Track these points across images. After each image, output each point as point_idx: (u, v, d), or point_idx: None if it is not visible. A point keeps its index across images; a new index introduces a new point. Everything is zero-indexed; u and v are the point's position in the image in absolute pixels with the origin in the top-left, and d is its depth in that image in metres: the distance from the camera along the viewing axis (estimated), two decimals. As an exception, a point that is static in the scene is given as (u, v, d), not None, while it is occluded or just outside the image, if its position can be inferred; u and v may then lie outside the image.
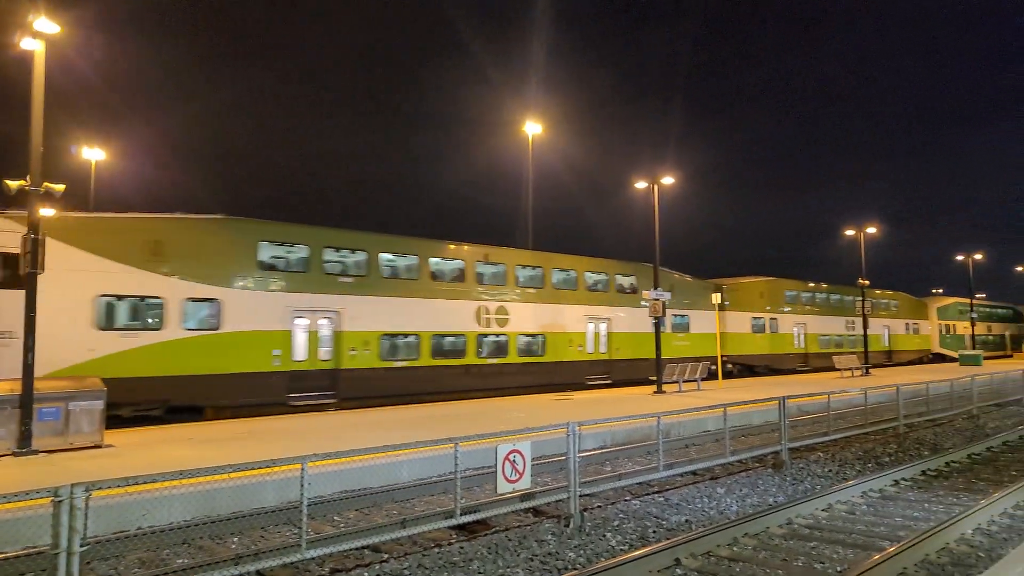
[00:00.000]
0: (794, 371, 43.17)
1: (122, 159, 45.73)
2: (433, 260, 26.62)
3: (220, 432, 16.91)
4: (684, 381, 28.68)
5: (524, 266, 29.68)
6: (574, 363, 30.72)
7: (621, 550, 8.96)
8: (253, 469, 7.99)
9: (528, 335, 29.09)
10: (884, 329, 53.69)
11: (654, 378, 27.88)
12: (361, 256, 24.52)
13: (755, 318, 41.50)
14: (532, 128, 37.40)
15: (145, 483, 7.12)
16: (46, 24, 14.18)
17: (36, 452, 13.68)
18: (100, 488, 6.69)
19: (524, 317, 28.93)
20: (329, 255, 23.81)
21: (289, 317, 22.00)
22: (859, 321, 48.63)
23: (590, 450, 15.46)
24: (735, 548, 8.85)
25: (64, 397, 14.43)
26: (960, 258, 62.81)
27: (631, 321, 33.32)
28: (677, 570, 8.06)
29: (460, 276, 27.37)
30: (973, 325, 62.74)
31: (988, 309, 74.27)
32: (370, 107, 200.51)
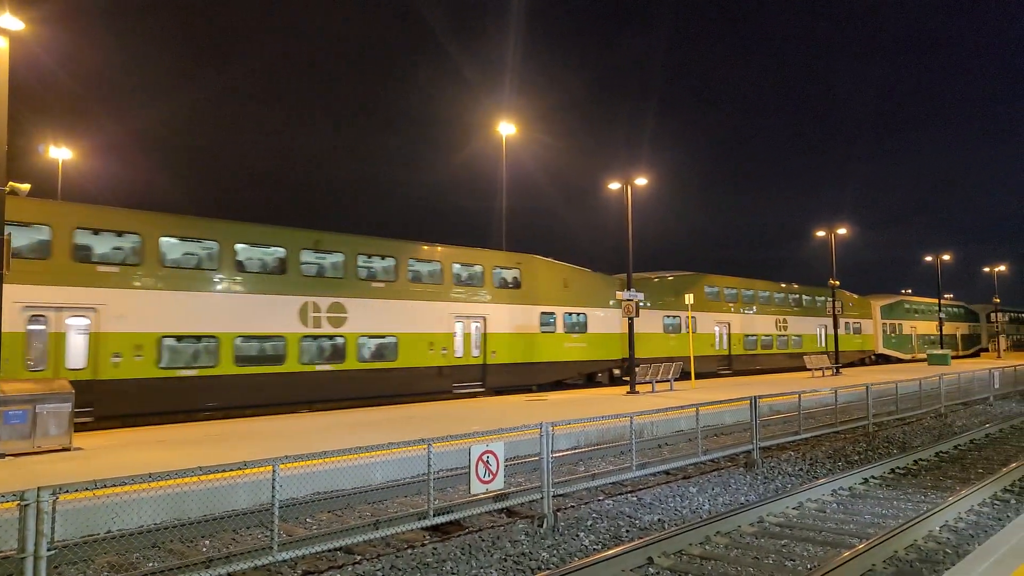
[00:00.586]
0: (715, 374, 39.71)
1: (92, 158, 45.17)
2: (240, 247, 22.21)
3: (191, 434, 16.73)
4: (657, 381, 28.82)
5: (369, 256, 25.51)
6: (437, 369, 26.76)
7: (594, 549, 8.98)
8: (224, 471, 7.90)
9: (374, 336, 24.96)
10: (820, 328, 50.83)
11: (542, 383, 26.60)
12: (132, 241, 20.15)
13: (669, 316, 37.83)
14: (506, 129, 37.41)
15: (113, 486, 7.01)
16: (10, 20, 13.95)
17: (2, 456, 13.45)
18: (67, 491, 6.60)
19: (368, 316, 24.68)
20: (83, 238, 19.42)
21: (20, 315, 17.59)
22: (793, 320, 47.77)
23: (563, 450, 15.49)
24: (707, 547, 8.92)
25: (31, 400, 14.18)
26: (929, 259, 63.36)
27: (514, 320, 29.62)
28: (650, 569, 8.11)
29: (280, 267, 23.14)
30: (941, 325, 63.20)
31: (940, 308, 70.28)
32: (347, 107, 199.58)
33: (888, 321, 59.19)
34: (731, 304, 43.13)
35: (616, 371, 33.51)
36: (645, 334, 34.79)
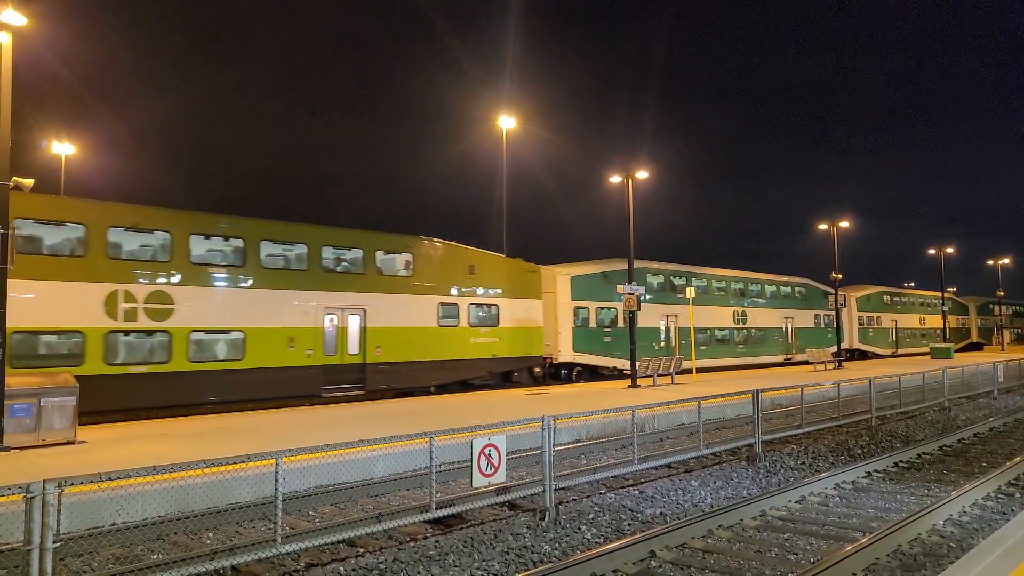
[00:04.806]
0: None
1: (94, 153, 45.26)
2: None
3: (194, 428, 16.77)
4: (659, 375, 28.81)
5: None
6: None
7: (596, 543, 8.99)
8: (227, 464, 7.94)
9: None
10: (344, 315, 23.90)
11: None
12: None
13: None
14: (506, 122, 37.38)
15: (118, 479, 7.05)
16: (12, 16, 13.93)
17: (7, 449, 13.50)
18: (72, 484, 6.64)
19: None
20: None
21: None
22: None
23: (565, 444, 15.51)
24: (709, 540, 8.92)
25: (36, 393, 14.22)
26: (932, 252, 61.87)
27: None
28: (652, 562, 8.11)
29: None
30: (945, 317, 61.72)
31: (744, 284, 43.92)
32: (346, 101, 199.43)
33: (591, 305, 33.47)
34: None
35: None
36: None
